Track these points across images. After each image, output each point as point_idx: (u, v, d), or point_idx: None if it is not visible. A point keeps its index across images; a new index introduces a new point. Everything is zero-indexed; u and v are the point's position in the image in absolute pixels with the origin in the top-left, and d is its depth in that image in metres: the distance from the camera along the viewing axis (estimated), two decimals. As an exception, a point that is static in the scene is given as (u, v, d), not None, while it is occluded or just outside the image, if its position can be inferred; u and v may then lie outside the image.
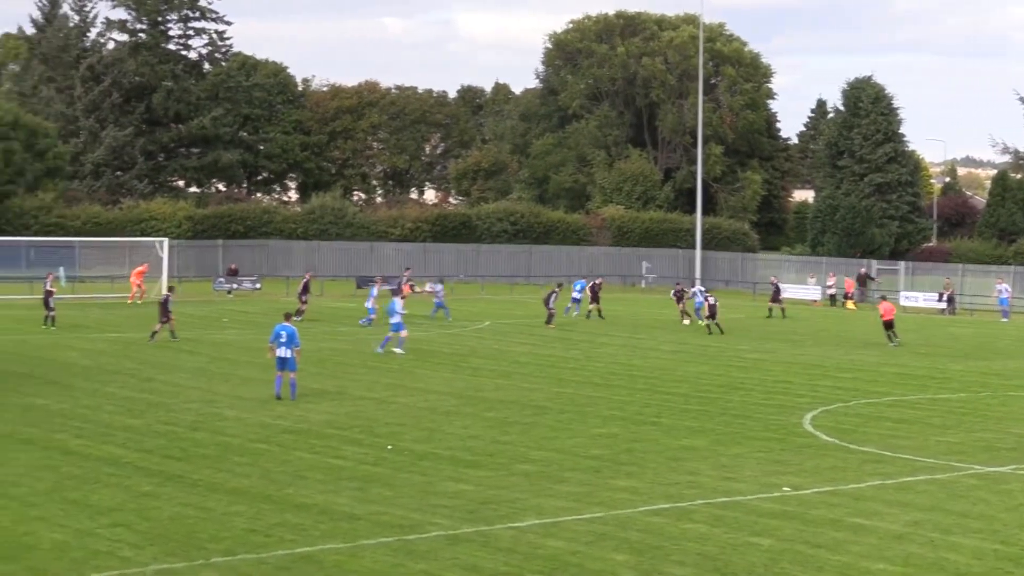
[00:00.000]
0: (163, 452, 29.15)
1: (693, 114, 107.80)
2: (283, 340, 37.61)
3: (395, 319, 50.25)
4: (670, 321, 68.23)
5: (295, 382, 37.84)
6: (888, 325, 58.75)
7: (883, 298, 62.37)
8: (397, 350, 49.63)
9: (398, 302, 50.74)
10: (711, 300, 64.03)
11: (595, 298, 69.69)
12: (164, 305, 53.75)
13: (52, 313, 58.36)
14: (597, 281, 72.78)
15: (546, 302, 64.45)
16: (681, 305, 69.60)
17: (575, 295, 70.92)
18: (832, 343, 59.55)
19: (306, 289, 65.40)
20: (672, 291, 72.94)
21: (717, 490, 26.35)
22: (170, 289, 58.93)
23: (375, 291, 63.72)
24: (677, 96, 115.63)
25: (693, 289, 73.89)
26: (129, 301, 71.37)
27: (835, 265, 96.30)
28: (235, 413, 34.92)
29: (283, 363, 37.68)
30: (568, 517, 23.66)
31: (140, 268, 74.49)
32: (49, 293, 59.17)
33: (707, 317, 63.11)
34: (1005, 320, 77.69)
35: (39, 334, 55.11)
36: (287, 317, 40.26)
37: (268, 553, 20.74)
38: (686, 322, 67.03)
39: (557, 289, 65.93)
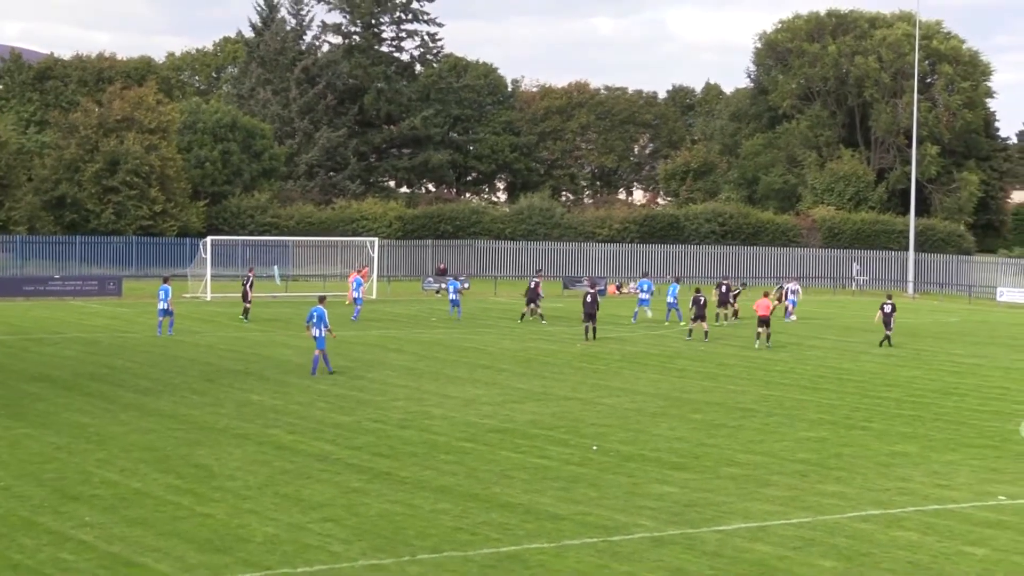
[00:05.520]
0: (372, 449, 29.58)
1: (908, 113, 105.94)
2: (314, 321, 41.99)
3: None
4: (879, 325, 67.10)
5: (327, 357, 42.46)
6: (762, 322, 55.97)
7: (766, 292, 59.17)
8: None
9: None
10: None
11: (533, 298, 65.66)
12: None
13: (248, 306, 61.57)
14: (535, 280, 69.40)
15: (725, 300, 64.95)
16: (733, 304, 67.85)
17: (642, 296, 68.11)
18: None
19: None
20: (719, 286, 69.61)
21: (929, 497, 25.90)
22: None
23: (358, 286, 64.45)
24: (891, 95, 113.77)
25: (789, 286, 71.86)
26: (346, 303, 72.08)
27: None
28: (442, 411, 35.28)
29: (318, 341, 42.15)
30: (775, 521, 23.48)
31: (363, 270, 75.20)
32: (251, 285, 62.67)
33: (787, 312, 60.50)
34: None
35: (255, 331, 56.31)
36: (321, 300, 44.11)
37: (474, 551, 20.91)
38: (726, 321, 64.90)
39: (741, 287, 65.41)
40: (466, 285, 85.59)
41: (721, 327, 62.31)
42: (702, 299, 57.85)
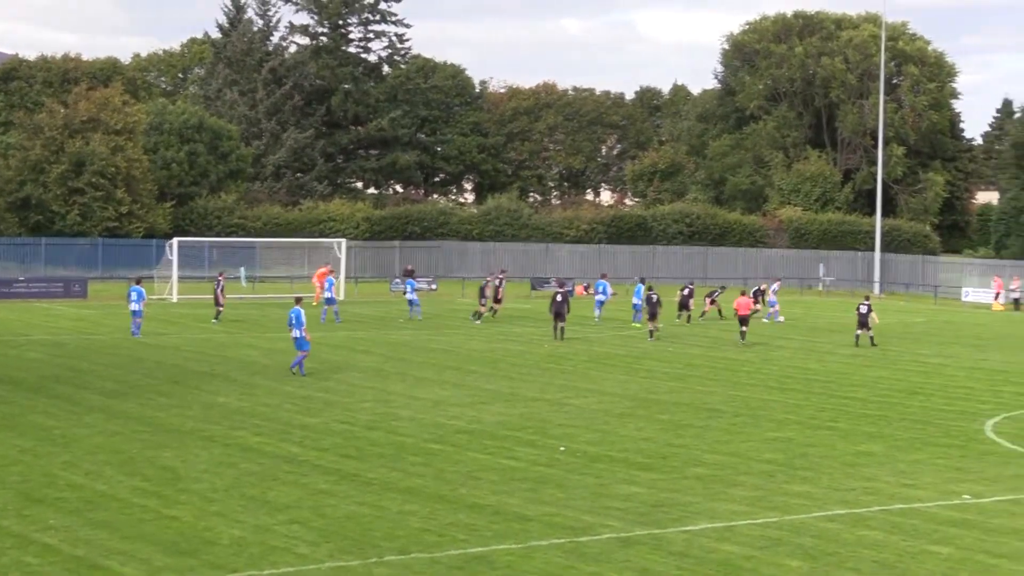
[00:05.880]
0: (339, 451, 29.58)
1: (874, 114, 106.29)
2: (292, 322, 42.62)
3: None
4: (847, 325, 67.40)
5: (303, 359, 42.58)
6: (742, 321, 56.70)
7: (743, 291, 59.91)
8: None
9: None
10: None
11: (497, 298, 66.56)
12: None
13: (221, 308, 61.62)
14: (499, 278, 69.01)
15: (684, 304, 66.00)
16: (715, 301, 69.34)
17: (599, 297, 68.41)
18: (1018, 348, 58.40)
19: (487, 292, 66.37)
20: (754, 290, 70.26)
21: (895, 497, 26.04)
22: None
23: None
24: (857, 96, 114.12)
25: (774, 286, 72.22)
26: (314, 303, 71.99)
27: (1020, 268, 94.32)
28: (409, 413, 35.29)
29: (297, 343, 42.63)
30: (741, 521, 23.57)
31: (323, 270, 75.24)
32: (222, 288, 62.51)
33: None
34: None
35: (221, 333, 56.23)
36: (297, 301, 44.74)
37: (441, 552, 20.93)
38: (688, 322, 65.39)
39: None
40: (434, 287, 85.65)
41: (661, 329, 62.49)
42: (655, 297, 58.24)
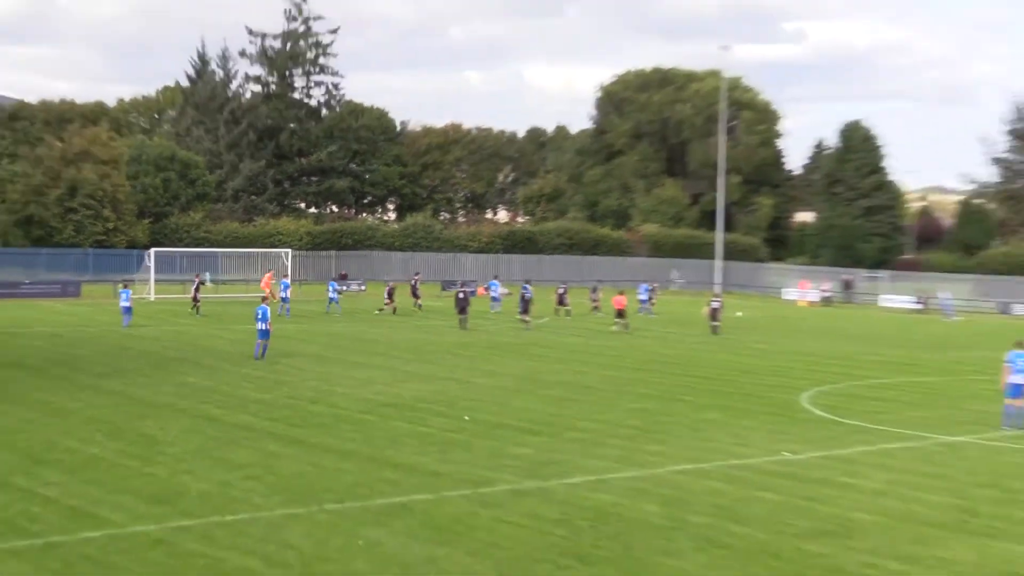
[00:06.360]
0: (287, 421, 29.40)
1: (716, 150, 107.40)
2: (258, 317, 42.42)
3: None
4: (696, 318, 68.09)
5: (267, 347, 42.31)
6: (619, 314, 57.73)
7: (621, 291, 61.06)
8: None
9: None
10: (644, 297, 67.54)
11: (390, 296, 65.44)
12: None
13: (198, 304, 61.93)
14: (415, 280, 68.74)
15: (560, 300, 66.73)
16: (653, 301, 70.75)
17: (493, 294, 68.76)
18: (825, 337, 59.24)
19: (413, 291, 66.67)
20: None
21: (731, 454, 26.30)
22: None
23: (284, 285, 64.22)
24: (703, 135, 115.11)
25: (643, 286, 72.95)
26: (270, 300, 71.78)
27: (830, 273, 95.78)
28: (345, 390, 35.14)
29: (260, 333, 42.35)
30: (611, 475, 23.69)
31: (267, 276, 74.95)
32: (198, 288, 62.71)
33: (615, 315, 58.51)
34: (948, 320, 76.90)
35: (191, 325, 55.68)
36: (264, 299, 45.48)
37: (371, 502, 20.90)
38: (567, 316, 65.41)
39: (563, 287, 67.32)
40: (363, 288, 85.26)
41: (544, 322, 62.69)
42: (527, 295, 58.73)
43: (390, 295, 65.38)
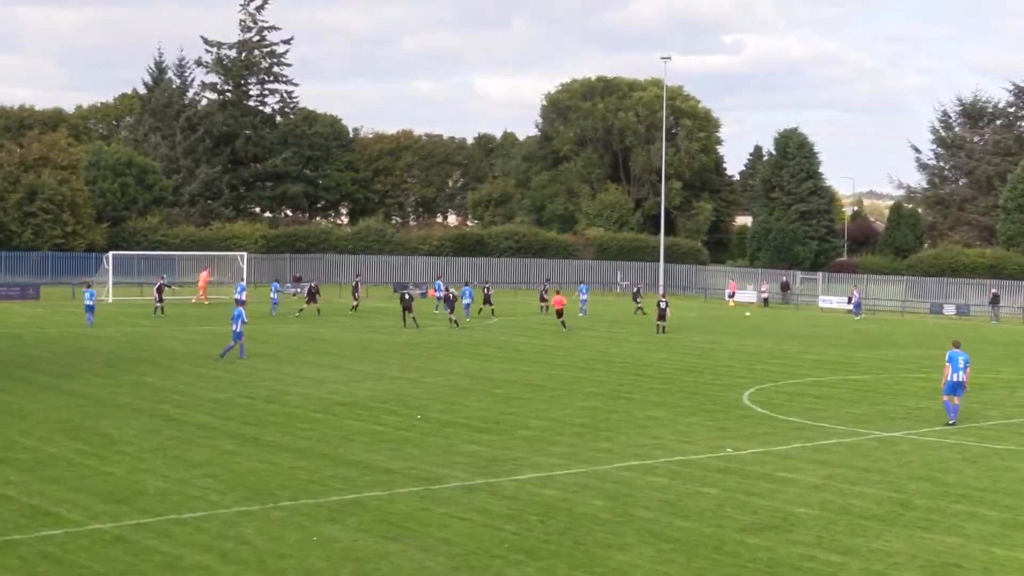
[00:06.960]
0: (242, 420, 29.18)
1: (658, 156, 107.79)
2: (234, 318, 42.48)
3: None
4: (641, 319, 68.24)
5: (243, 347, 42.60)
6: (559, 314, 58.21)
7: (557, 291, 61.87)
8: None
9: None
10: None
11: (311, 298, 64.66)
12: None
13: (161, 304, 62.02)
14: (313, 284, 67.75)
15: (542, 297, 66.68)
16: (638, 301, 71.01)
17: (466, 300, 68.18)
18: (765, 336, 59.52)
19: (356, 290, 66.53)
20: (632, 290, 72.27)
21: (675, 450, 26.31)
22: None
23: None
24: (645, 142, 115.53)
25: (582, 286, 73.44)
26: (193, 301, 72.34)
27: (768, 275, 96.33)
28: (299, 389, 34.93)
29: (235, 335, 42.35)
30: (559, 472, 23.65)
31: (204, 273, 75.14)
32: (160, 289, 63.07)
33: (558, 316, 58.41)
34: (857, 317, 77.72)
35: (148, 327, 55.19)
36: (239, 303, 45.60)
37: (324, 499, 20.75)
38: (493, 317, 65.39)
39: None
40: (299, 291, 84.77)
41: (468, 323, 62.62)
42: (451, 296, 59.64)
43: (311, 295, 64.94)
